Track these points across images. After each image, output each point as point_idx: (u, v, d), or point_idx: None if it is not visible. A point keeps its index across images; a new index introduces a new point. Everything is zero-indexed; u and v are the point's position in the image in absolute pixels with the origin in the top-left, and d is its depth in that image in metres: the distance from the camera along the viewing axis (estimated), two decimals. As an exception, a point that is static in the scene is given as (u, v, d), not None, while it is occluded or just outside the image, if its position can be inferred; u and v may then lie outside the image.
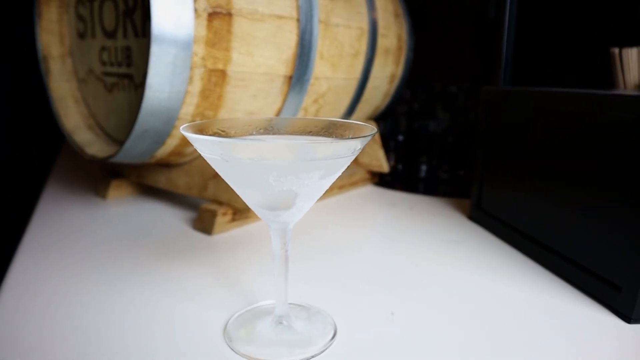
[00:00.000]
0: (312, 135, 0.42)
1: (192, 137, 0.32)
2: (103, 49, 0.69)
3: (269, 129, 0.43)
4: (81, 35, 0.74)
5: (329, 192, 0.83)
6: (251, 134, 0.42)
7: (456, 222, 0.72)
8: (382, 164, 0.91)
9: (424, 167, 1.05)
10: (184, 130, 0.34)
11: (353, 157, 0.35)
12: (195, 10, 0.53)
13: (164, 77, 0.54)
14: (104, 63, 0.69)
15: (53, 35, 0.76)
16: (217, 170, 0.34)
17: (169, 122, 0.58)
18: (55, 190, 0.84)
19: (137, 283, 0.50)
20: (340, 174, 0.36)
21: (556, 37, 0.88)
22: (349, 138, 0.31)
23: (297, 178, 0.32)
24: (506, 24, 0.70)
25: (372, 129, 0.37)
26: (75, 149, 0.71)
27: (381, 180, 0.95)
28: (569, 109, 0.52)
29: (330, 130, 0.42)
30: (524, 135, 0.60)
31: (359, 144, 0.33)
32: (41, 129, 0.79)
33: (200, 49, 0.55)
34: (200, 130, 0.38)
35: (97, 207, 0.76)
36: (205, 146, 0.32)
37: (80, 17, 0.73)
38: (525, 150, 0.60)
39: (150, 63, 0.52)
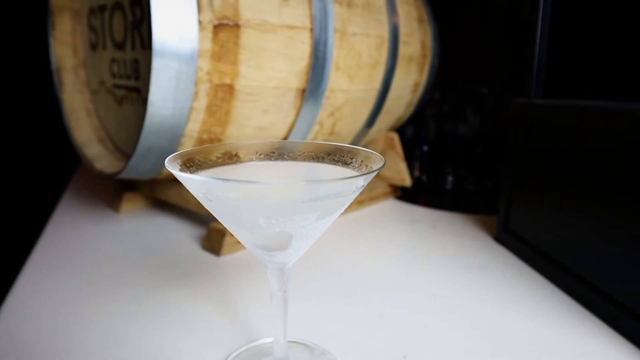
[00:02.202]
0: (316, 161, 0.38)
1: (175, 173, 0.29)
2: (113, 60, 0.67)
3: (270, 154, 0.40)
4: (93, 47, 0.72)
5: (347, 208, 0.79)
6: (251, 160, 0.39)
7: (481, 244, 0.67)
8: (405, 178, 0.86)
9: (450, 179, 1.00)
10: (169, 164, 0.30)
11: (355, 195, 0.31)
12: (200, 22, 0.50)
13: (167, 93, 0.51)
14: (114, 75, 0.67)
15: (66, 47, 0.75)
16: (205, 207, 0.31)
17: (174, 140, 0.55)
18: (71, 201, 0.84)
19: (136, 310, 0.48)
20: (342, 211, 0.32)
21: (598, 40, 0.81)
22: (347, 177, 0.27)
23: (290, 220, 0.28)
24: (539, 28, 0.64)
25: (380, 159, 0.33)
26: (84, 163, 0.69)
27: (404, 193, 0.90)
28: (609, 126, 0.46)
29: (336, 155, 0.38)
30: (559, 151, 0.54)
31: (362, 181, 0.29)
32: (62, 138, 0.79)
33: (205, 63, 0.52)
34: (191, 158, 0.35)
35: (108, 221, 0.74)
36: (188, 183, 0.29)
37: (92, 28, 0.71)
38: (560, 168, 0.54)
39: (152, 78, 0.49)
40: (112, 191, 0.85)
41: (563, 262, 0.53)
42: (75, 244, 0.65)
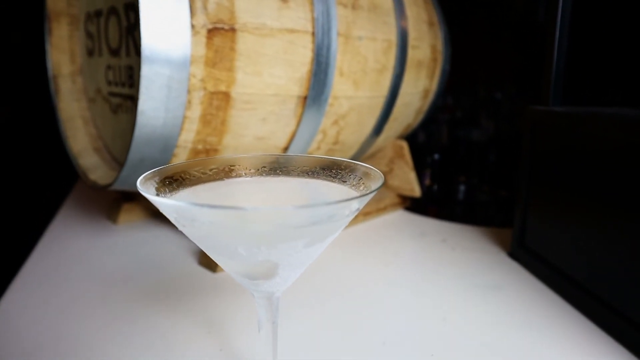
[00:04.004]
0: (310, 177, 0.35)
1: (146, 196, 0.26)
2: (109, 67, 0.64)
3: (262, 169, 0.36)
4: (90, 53, 0.70)
5: (352, 220, 0.75)
6: (240, 176, 0.36)
7: (494, 260, 0.62)
8: (414, 188, 0.82)
9: (462, 188, 0.96)
10: (142, 184, 0.27)
11: (350, 219, 0.27)
12: (193, 26, 0.47)
13: (158, 102, 0.48)
14: (109, 82, 0.65)
15: (63, 53, 0.72)
16: (181, 230, 0.28)
17: (167, 150, 0.52)
18: (69, 211, 0.81)
19: (126, 329, 0.45)
20: (335, 236, 0.29)
21: (621, 43, 0.77)
22: (337, 201, 0.24)
23: (273, 248, 0.25)
24: (557, 30, 0.60)
25: (379, 177, 0.30)
26: (79, 173, 0.67)
27: (413, 203, 0.86)
28: (633, 135, 0.42)
29: (332, 171, 0.35)
30: (578, 161, 0.50)
31: (356, 204, 0.26)
32: (63, 147, 0.77)
33: (198, 70, 0.49)
34: (172, 175, 0.32)
35: (105, 233, 0.71)
36: (159, 205, 0.25)
37: (89, 34, 0.69)
38: (580, 179, 0.50)
39: (142, 87, 0.47)
40: (111, 201, 0.82)
41: (583, 282, 0.49)
42: (69, 257, 0.63)
